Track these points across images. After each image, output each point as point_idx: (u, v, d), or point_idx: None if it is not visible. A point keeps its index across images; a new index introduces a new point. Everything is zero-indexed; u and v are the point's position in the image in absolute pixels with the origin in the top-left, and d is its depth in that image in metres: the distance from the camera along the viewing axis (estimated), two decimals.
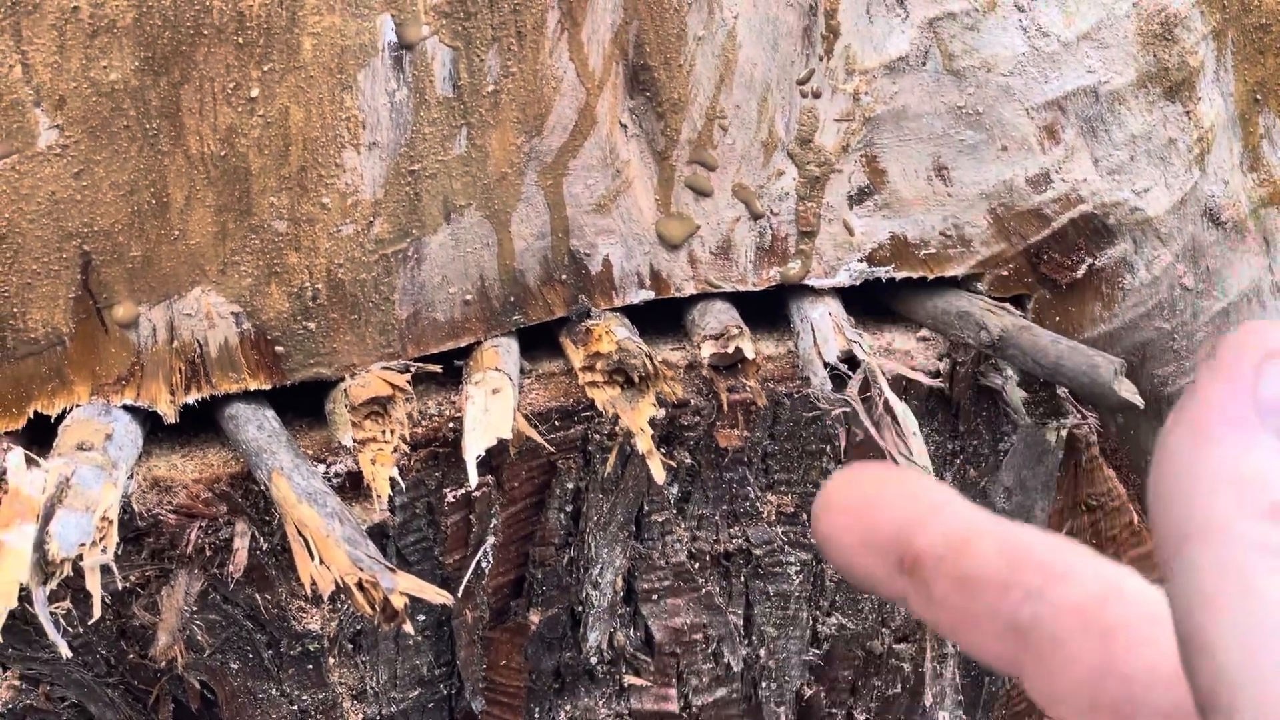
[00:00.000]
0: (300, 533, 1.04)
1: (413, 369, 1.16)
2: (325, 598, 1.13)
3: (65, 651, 1.00)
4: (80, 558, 0.98)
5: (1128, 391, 1.14)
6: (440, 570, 1.20)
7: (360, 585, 0.98)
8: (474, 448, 1.09)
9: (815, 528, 0.48)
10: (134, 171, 1.04)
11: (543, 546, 1.22)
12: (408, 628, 0.99)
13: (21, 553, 0.96)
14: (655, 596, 1.26)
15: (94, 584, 0.99)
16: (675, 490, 1.23)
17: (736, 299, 1.26)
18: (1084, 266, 1.28)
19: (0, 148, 1.01)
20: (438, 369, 1.17)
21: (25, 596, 0.97)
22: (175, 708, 1.19)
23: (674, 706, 1.31)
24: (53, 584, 0.97)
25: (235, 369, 1.12)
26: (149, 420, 1.14)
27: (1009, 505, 1.31)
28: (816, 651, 1.34)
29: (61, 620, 1.05)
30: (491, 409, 1.11)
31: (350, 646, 1.20)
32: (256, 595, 1.15)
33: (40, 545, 0.96)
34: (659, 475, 1.11)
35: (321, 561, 1.01)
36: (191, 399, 1.13)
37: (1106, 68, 1.22)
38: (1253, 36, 1.28)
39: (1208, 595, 0.35)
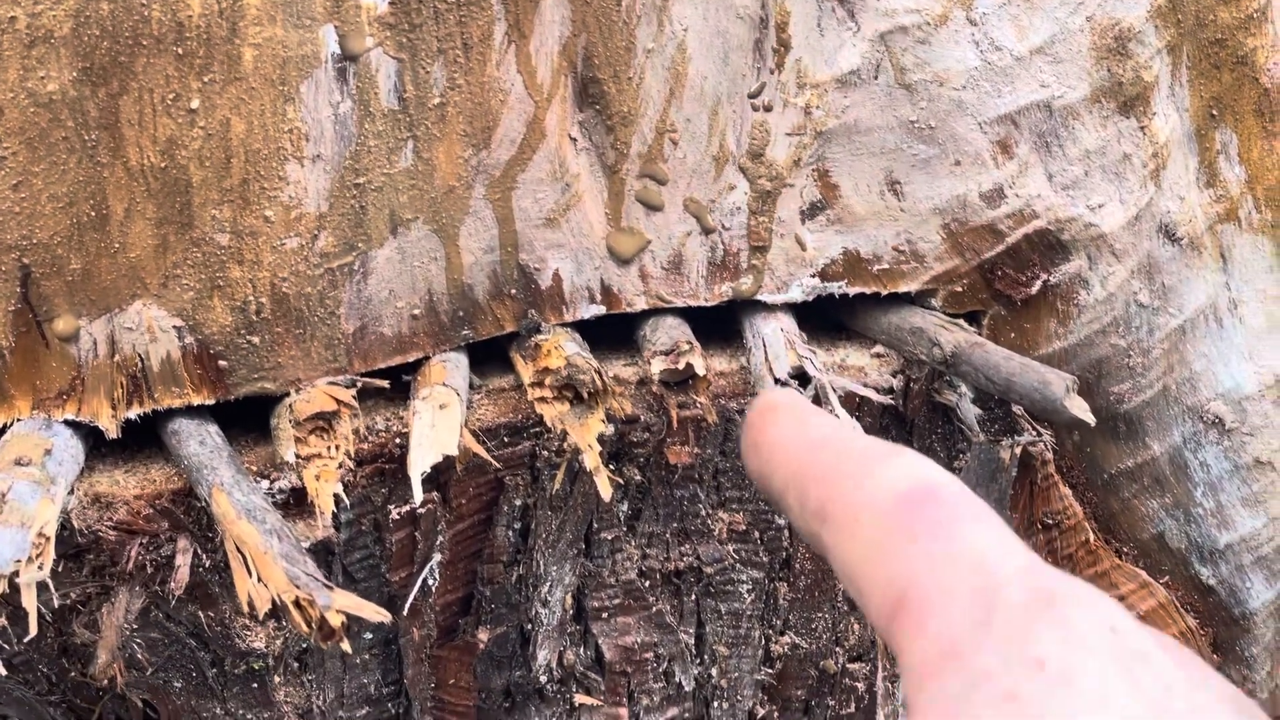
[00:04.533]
0: (239, 549, 1.02)
1: (359, 384, 1.15)
2: (265, 616, 1.12)
3: (0, 670, 0.98)
4: (16, 574, 0.96)
5: (1078, 409, 1.13)
6: (387, 588, 1.18)
7: (297, 603, 0.97)
8: (419, 464, 1.07)
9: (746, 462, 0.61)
10: (73, 183, 1.03)
11: (491, 564, 1.21)
12: (345, 646, 0.97)
13: None
14: (605, 615, 1.25)
15: (30, 601, 0.97)
16: (625, 508, 1.22)
17: (688, 314, 1.24)
18: (1038, 282, 1.27)
19: None
20: (385, 384, 1.16)
21: None
22: None
23: None
24: None
25: (178, 383, 1.11)
26: (91, 435, 1.12)
27: None
28: (769, 671, 1.33)
29: None
30: (438, 425, 1.10)
31: (296, 665, 1.19)
32: (199, 613, 1.13)
33: None
34: (605, 492, 1.09)
35: (260, 579, 1.00)
36: (134, 414, 1.11)
37: (1060, 82, 1.21)
38: (1208, 51, 1.27)
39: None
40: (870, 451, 0.53)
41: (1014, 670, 0.41)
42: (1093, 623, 0.42)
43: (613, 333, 1.26)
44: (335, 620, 0.96)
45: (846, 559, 0.50)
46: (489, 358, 1.24)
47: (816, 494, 0.53)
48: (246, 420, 1.17)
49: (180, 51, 1.02)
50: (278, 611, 0.99)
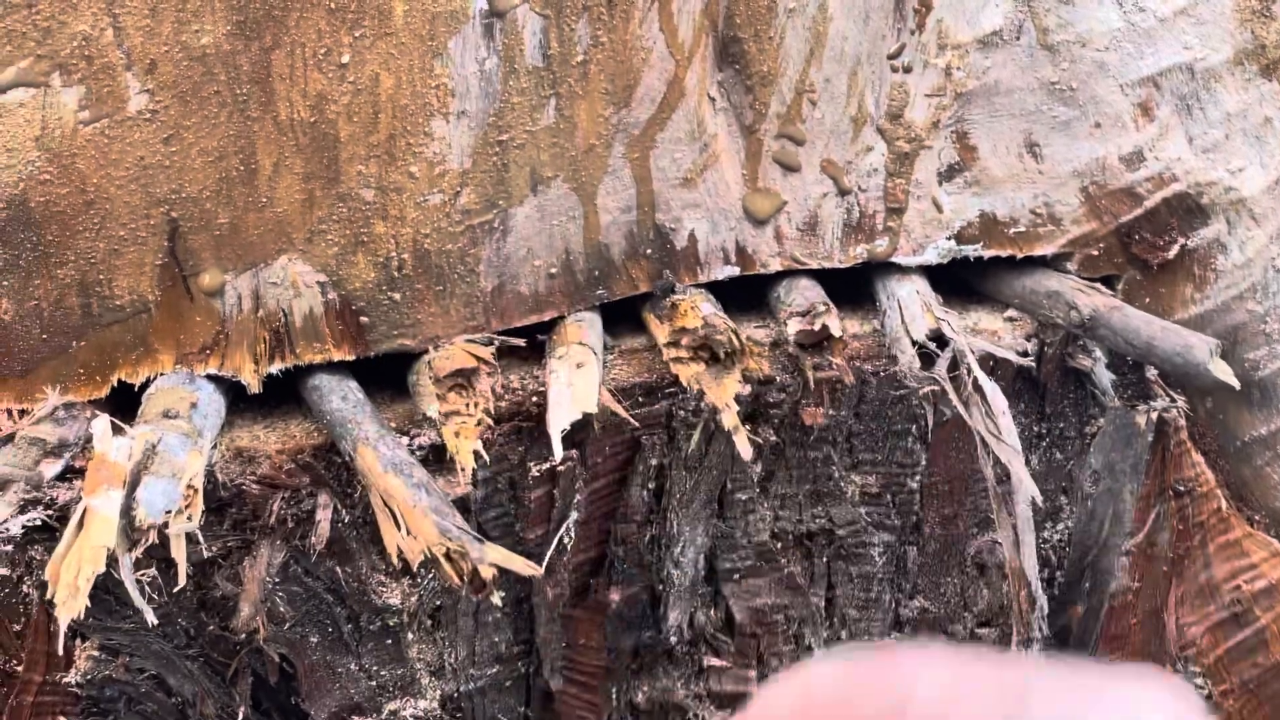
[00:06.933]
0: (386, 503, 1.03)
1: (497, 342, 1.15)
2: (410, 570, 1.12)
3: (151, 618, 0.99)
4: (166, 525, 0.97)
5: (1223, 373, 1.12)
6: (521, 546, 1.18)
7: (448, 555, 0.97)
8: (559, 421, 1.07)
9: None
10: (223, 138, 1.03)
11: (625, 523, 1.21)
12: (495, 599, 0.98)
13: (109, 518, 0.95)
14: (736, 576, 1.25)
15: (179, 551, 0.98)
16: (759, 469, 1.22)
17: (821, 276, 1.24)
18: (1176, 247, 1.25)
19: (91, 112, 1.00)
20: (522, 343, 1.16)
21: (108, 563, 0.96)
22: (254, 680, 1.18)
23: (754, 688, 1.29)
24: (138, 550, 0.96)
25: (319, 339, 1.12)
26: (231, 390, 1.13)
27: (1097, 489, 1.29)
28: (898, 634, 1.33)
29: (147, 588, 1.04)
30: (576, 383, 1.10)
31: (429, 622, 1.19)
32: (338, 568, 1.14)
33: (127, 511, 0.96)
34: (746, 452, 1.09)
35: (408, 532, 1.00)
36: (275, 369, 1.12)
37: (1203, 44, 1.19)
38: None
39: None
40: None
41: None
42: None
43: (741, 294, 1.25)
44: (487, 573, 0.96)
45: None
46: (620, 318, 1.23)
47: None
48: (376, 378, 1.17)
49: (333, 5, 1.02)
50: (426, 564, 1.00)
